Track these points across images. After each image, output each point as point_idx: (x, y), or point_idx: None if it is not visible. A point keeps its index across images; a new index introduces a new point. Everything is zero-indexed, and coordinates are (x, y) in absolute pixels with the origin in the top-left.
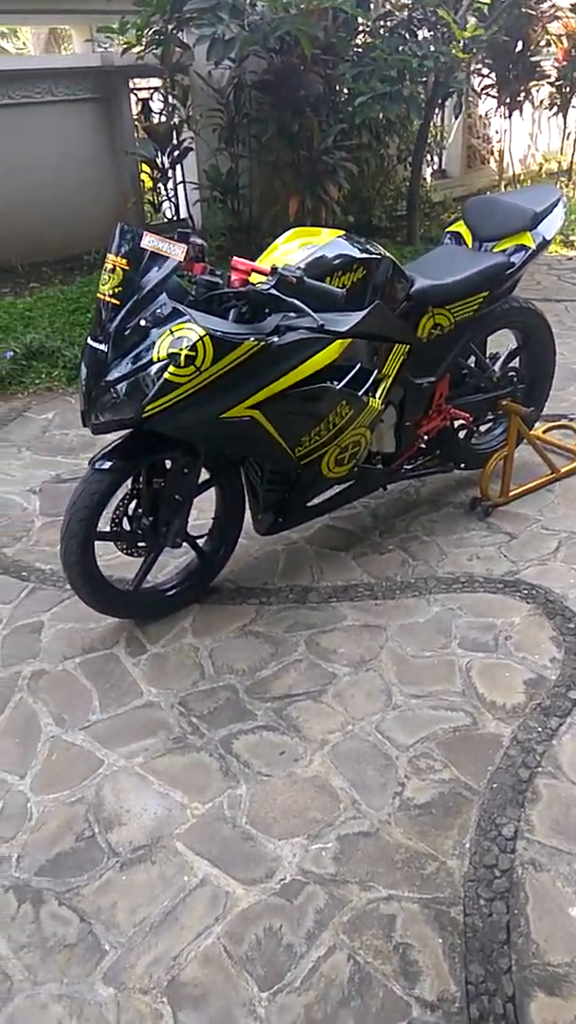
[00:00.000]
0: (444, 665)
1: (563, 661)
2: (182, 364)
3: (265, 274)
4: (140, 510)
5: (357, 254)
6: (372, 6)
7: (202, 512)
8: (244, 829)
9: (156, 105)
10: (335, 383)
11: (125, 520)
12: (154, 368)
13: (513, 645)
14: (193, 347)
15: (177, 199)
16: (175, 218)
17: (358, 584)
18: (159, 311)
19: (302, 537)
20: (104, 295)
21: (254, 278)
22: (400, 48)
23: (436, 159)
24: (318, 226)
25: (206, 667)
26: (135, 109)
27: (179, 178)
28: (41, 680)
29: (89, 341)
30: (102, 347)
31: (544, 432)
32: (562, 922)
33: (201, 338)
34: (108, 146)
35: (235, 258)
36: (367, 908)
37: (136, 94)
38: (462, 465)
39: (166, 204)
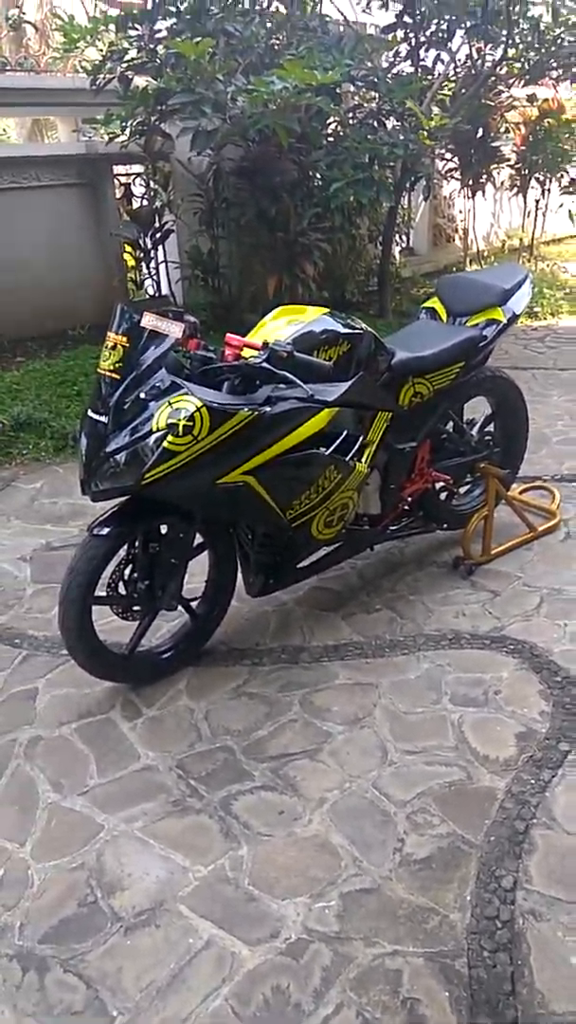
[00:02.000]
0: (436, 720)
1: (551, 714)
2: (180, 433)
3: (257, 349)
4: (136, 574)
5: (341, 329)
6: (343, 99)
7: (194, 576)
8: (247, 890)
9: (138, 190)
10: (324, 449)
11: (121, 584)
12: (153, 438)
13: (503, 699)
14: (191, 417)
15: (159, 277)
16: (156, 295)
17: (348, 643)
18: (158, 384)
19: (292, 598)
20: (105, 370)
21: (246, 352)
22: (369, 137)
23: (404, 238)
24: (295, 302)
25: (202, 729)
26: (118, 193)
27: (161, 258)
28: (38, 746)
29: (89, 413)
30: (102, 419)
31: (520, 493)
32: (565, 971)
33: (198, 409)
34: (93, 228)
35: (228, 334)
36: (373, 964)
37: (119, 179)
38: (444, 525)
39: (148, 282)
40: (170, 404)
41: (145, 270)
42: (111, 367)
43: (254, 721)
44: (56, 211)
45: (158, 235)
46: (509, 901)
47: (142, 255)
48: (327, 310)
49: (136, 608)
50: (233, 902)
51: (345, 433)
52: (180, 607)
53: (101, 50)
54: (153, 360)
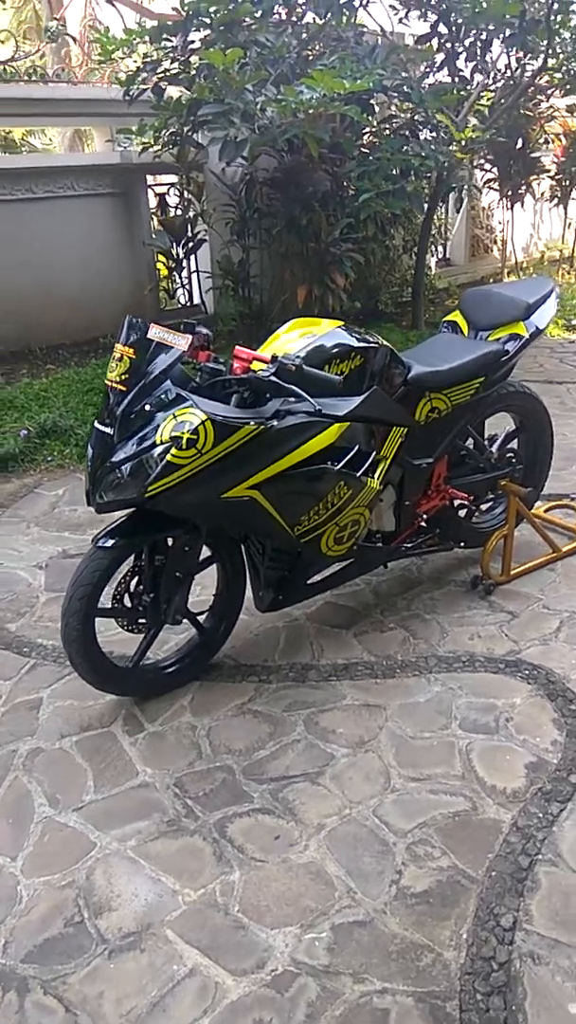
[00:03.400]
0: (444, 747)
1: (564, 744)
2: (184, 447)
3: (266, 362)
4: (141, 587)
5: (355, 343)
6: (376, 109)
7: (204, 588)
8: (236, 917)
9: (172, 200)
10: (334, 464)
11: (127, 596)
12: (157, 450)
13: (514, 727)
14: (195, 430)
15: (191, 287)
16: (188, 304)
17: (358, 662)
18: (164, 396)
19: (303, 614)
20: (112, 381)
21: (256, 366)
22: (403, 148)
23: (441, 248)
24: (325, 312)
25: (203, 747)
26: (152, 203)
27: (193, 267)
28: (37, 759)
29: (96, 424)
30: (108, 430)
31: (545, 511)
32: (561, 1019)
33: (203, 422)
34: (126, 237)
35: (237, 347)
36: (360, 1002)
37: (153, 189)
38: (462, 544)
39: (180, 292)
40: (175, 416)
41: (178, 280)
42: (118, 378)
43: (256, 740)
44: (90, 220)
45: (190, 244)
46: (507, 941)
47: (174, 265)
48: (341, 323)
49: (141, 621)
50: (221, 929)
51: (357, 448)
52: (187, 621)
53: (136, 61)
54: (160, 372)
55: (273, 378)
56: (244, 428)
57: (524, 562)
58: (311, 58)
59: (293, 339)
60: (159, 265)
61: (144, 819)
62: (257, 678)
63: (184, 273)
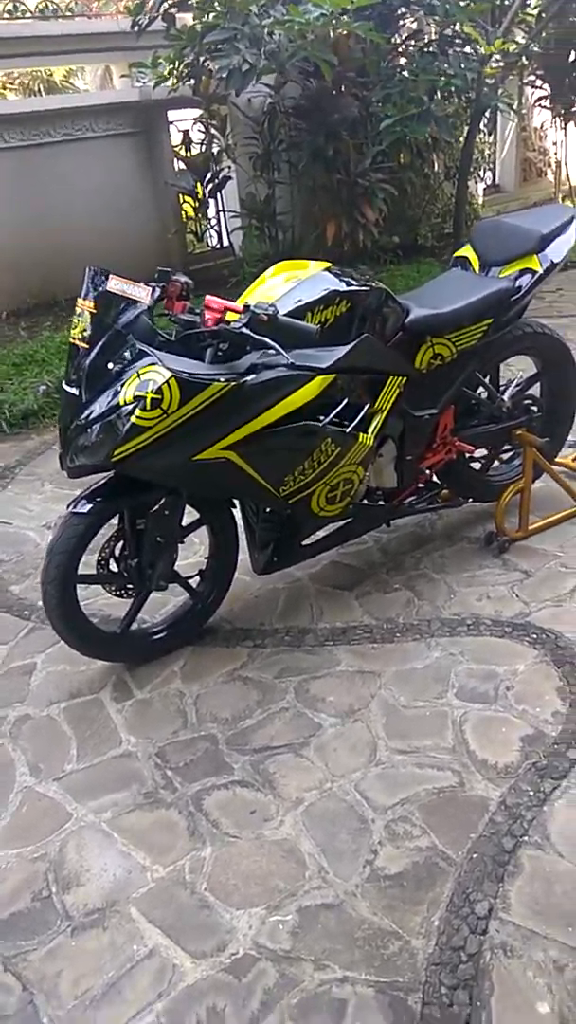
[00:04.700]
0: (437, 717)
1: (567, 715)
2: (148, 407)
3: (239, 312)
4: (126, 551)
5: (342, 287)
6: (402, 24)
7: (198, 551)
8: (202, 896)
9: (196, 136)
10: (320, 420)
11: (112, 562)
12: (121, 411)
13: (514, 696)
14: (159, 390)
15: (219, 227)
16: (219, 246)
17: (357, 626)
18: (127, 353)
19: (306, 574)
20: (75, 339)
21: (230, 316)
22: (432, 66)
23: (490, 174)
24: (356, 249)
25: (189, 715)
26: (176, 140)
27: (220, 207)
28: (24, 726)
29: (63, 385)
30: (74, 390)
31: (574, 460)
32: (528, 1019)
33: (167, 380)
34: (149, 178)
35: (208, 297)
36: (318, 990)
37: (177, 126)
38: (474, 499)
39: (208, 233)
40: (138, 375)
41: (205, 220)
42: (80, 335)
43: (244, 708)
44: (111, 162)
45: (215, 183)
46: (480, 930)
47: (199, 204)
48: (328, 265)
49: (129, 586)
50: (186, 908)
51: (346, 401)
52: (178, 585)
53: None
54: (124, 326)
55: (244, 329)
56: (212, 386)
57: (544, 516)
58: None
59: (277, 284)
60: (184, 206)
61: (122, 790)
62: (252, 643)
63: (211, 213)
